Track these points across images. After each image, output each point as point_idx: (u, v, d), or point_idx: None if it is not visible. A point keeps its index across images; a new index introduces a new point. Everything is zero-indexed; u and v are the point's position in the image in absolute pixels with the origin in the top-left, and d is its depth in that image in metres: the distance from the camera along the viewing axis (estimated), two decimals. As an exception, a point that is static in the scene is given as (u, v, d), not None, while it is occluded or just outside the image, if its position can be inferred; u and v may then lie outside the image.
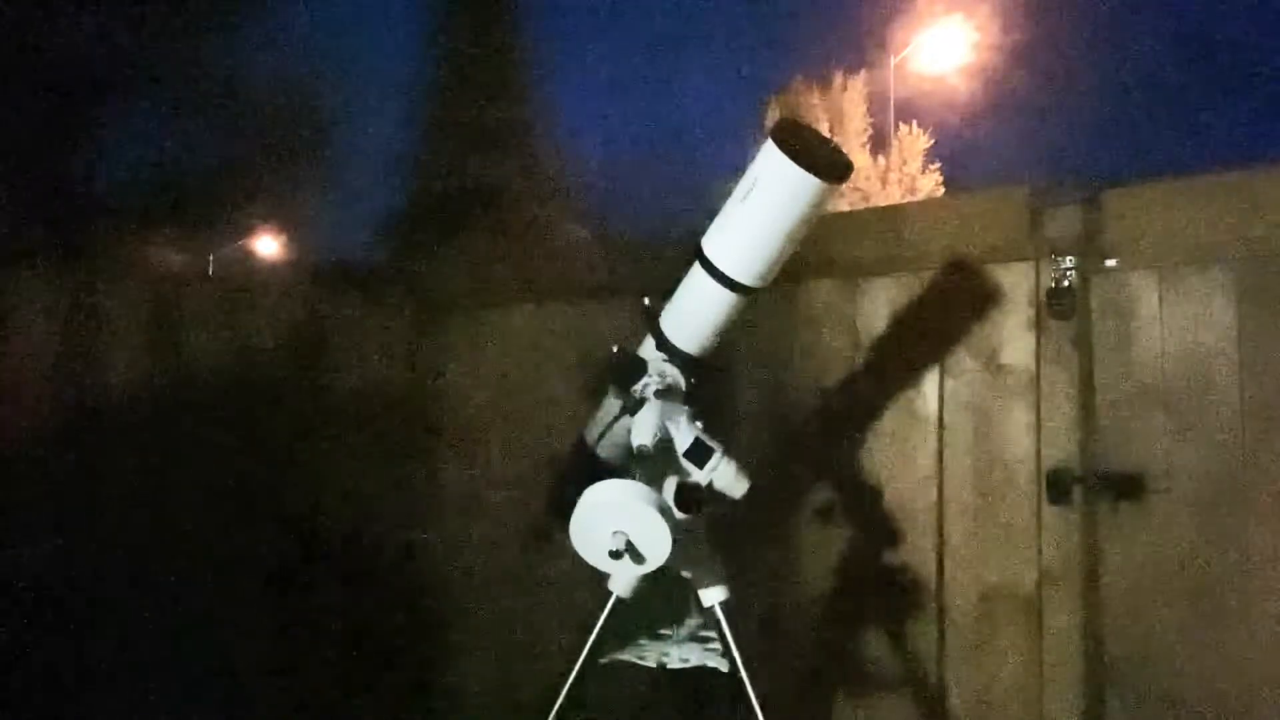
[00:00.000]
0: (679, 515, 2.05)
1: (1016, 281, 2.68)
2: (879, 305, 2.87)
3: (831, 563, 2.87)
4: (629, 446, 2.18)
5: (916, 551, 2.78)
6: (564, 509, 2.04)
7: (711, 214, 2.25)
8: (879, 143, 17.95)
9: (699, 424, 2.24)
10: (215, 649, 3.19)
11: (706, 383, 2.31)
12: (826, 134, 3.01)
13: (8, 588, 2.96)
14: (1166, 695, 2.49)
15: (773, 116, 17.05)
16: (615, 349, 2.32)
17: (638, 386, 2.25)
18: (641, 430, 2.16)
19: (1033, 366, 2.66)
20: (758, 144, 2.16)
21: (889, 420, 2.84)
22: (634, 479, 2.02)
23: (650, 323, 2.31)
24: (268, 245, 18.16)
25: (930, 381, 2.80)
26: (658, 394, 2.22)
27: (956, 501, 2.75)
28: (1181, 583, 2.47)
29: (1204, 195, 2.53)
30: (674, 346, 2.26)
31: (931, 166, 17.80)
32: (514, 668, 3.38)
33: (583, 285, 3.35)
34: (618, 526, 1.97)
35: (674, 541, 1.98)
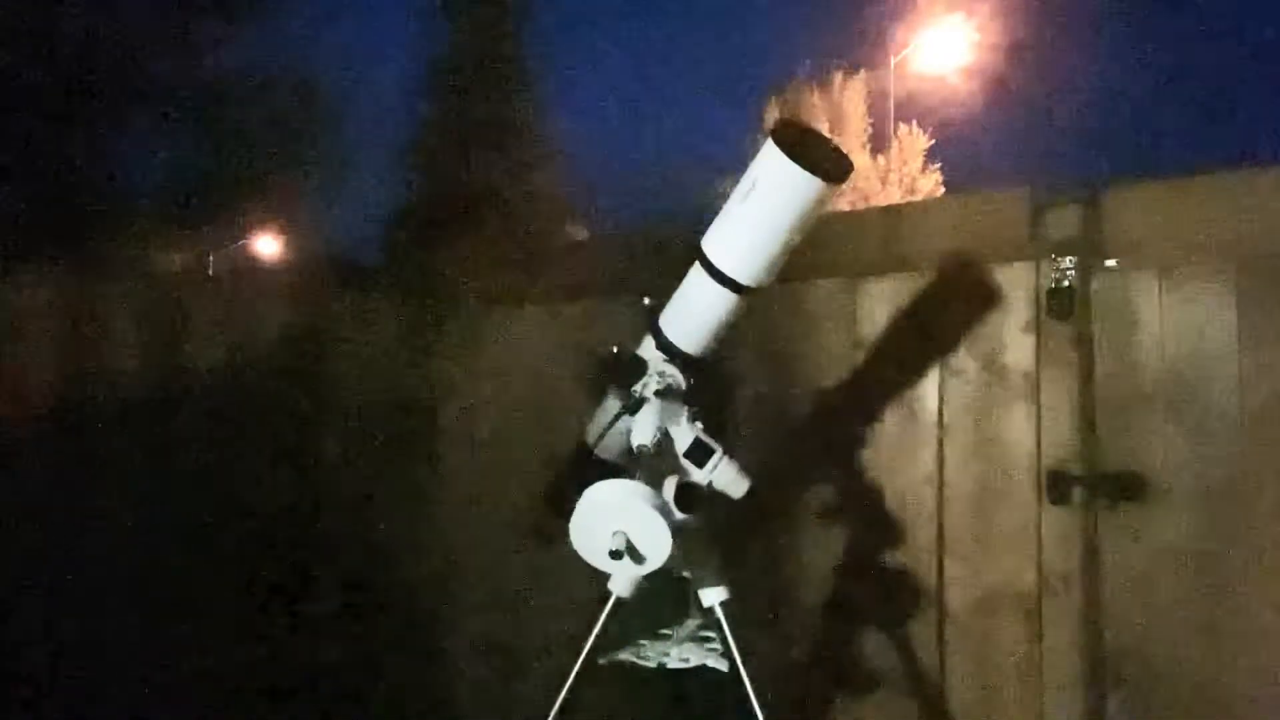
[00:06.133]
0: (679, 515, 2.06)
1: (1016, 281, 2.68)
2: (879, 305, 2.87)
3: (831, 563, 2.87)
4: (629, 446, 2.18)
5: (916, 551, 2.78)
6: (564, 509, 2.04)
7: (712, 214, 2.25)
8: (879, 143, 17.94)
9: (699, 424, 2.24)
10: (213, 647, 3.19)
11: (706, 383, 2.31)
12: (826, 134, 3.00)
13: (6, 586, 2.96)
14: (1166, 695, 2.48)
15: (773, 116, 17.06)
16: (615, 349, 2.32)
17: (638, 386, 2.25)
18: (641, 430, 2.16)
19: (1033, 366, 2.66)
20: (757, 144, 2.16)
21: (889, 420, 2.84)
22: (634, 479, 2.02)
23: (650, 323, 2.31)
24: (268, 245, 18.16)
25: (930, 381, 2.80)
26: (658, 394, 2.22)
27: (956, 502, 2.75)
28: (1182, 582, 2.47)
29: (1204, 195, 2.53)
30: (674, 346, 2.26)
31: (931, 166, 17.80)
32: (514, 668, 3.37)
33: (583, 285, 3.35)
34: (618, 526, 1.97)
35: (674, 541, 1.98)
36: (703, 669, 2.29)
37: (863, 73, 18.09)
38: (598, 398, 2.44)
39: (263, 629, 3.30)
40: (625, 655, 2.33)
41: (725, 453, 2.21)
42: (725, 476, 2.20)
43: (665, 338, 2.27)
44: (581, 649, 2.27)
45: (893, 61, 17.57)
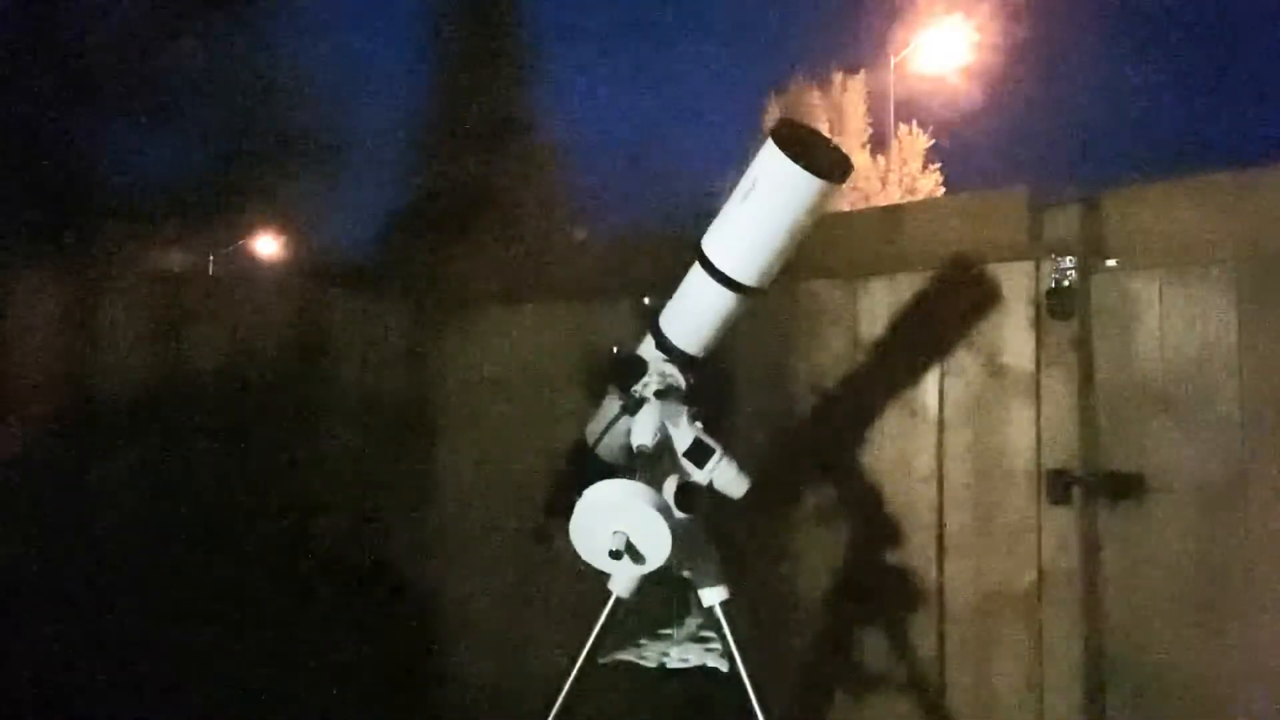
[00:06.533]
0: (679, 515, 2.06)
1: (1016, 281, 2.68)
2: (879, 305, 2.87)
3: (831, 563, 2.87)
4: (629, 446, 2.18)
5: (916, 551, 2.78)
6: (564, 509, 2.04)
7: (711, 214, 2.25)
8: (879, 143, 17.95)
9: (699, 424, 2.24)
10: (211, 648, 3.19)
11: (706, 382, 2.31)
12: (826, 134, 3.00)
13: (6, 587, 2.96)
14: (1166, 694, 2.49)
15: (773, 116, 17.06)
16: (615, 349, 2.32)
17: (638, 386, 2.25)
18: (641, 430, 2.16)
19: (1033, 366, 2.66)
20: (757, 143, 2.16)
21: (889, 420, 2.84)
22: (634, 479, 2.02)
23: (650, 323, 2.31)
24: (268, 244, 18.16)
25: (930, 381, 2.80)
26: (658, 394, 2.22)
27: (956, 502, 2.75)
28: (1181, 582, 2.47)
29: (1204, 195, 2.52)
30: (674, 346, 2.26)
31: (931, 166, 17.81)
32: (514, 668, 3.38)
33: (583, 285, 3.35)
34: (618, 526, 1.97)
35: (674, 541, 1.98)
36: (703, 669, 2.29)
37: (863, 73, 18.12)
38: (598, 398, 2.44)
39: (260, 629, 3.30)
40: (625, 655, 2.33)
41: (725, 452, 2.21)
42: (725, 476, 2.20)
43: (665, 338, 2.27)
44: (581, 649, 2.27)
45: (893, 61, 17.58)
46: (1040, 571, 2.62)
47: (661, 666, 2.33)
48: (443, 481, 3.66)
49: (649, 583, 2.22)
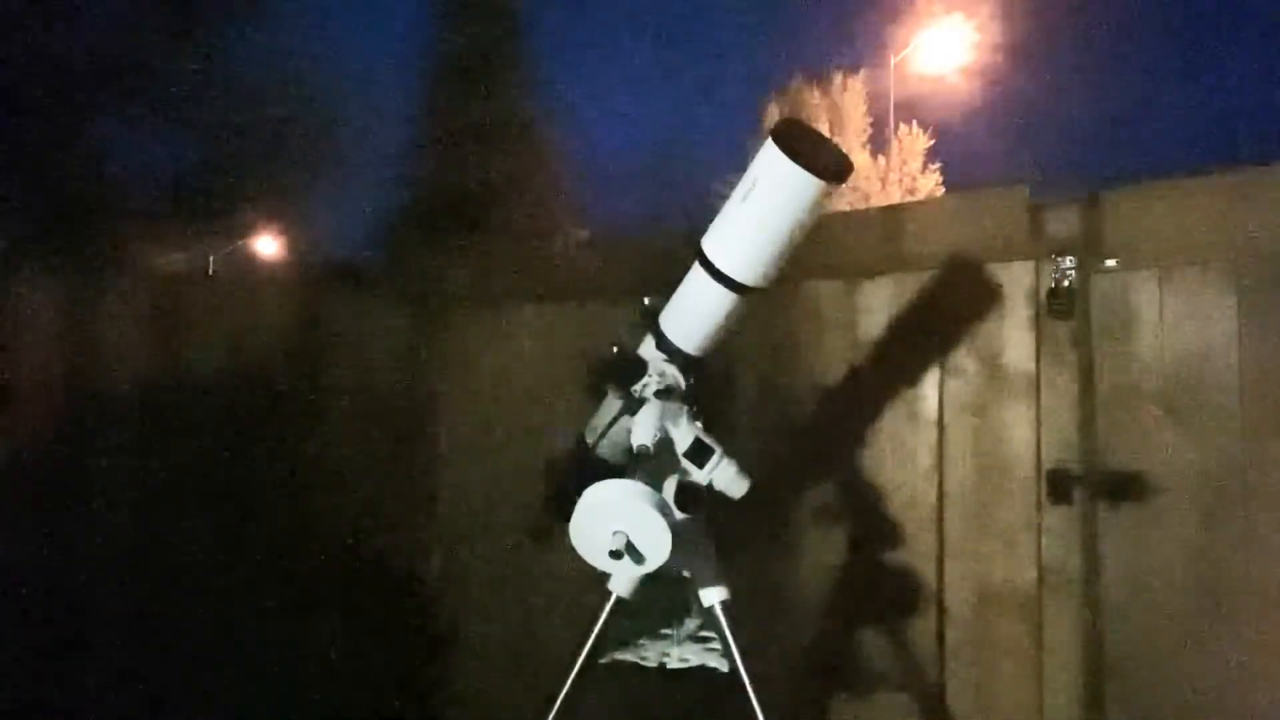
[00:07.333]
0: (679, 515, 2.06)
1: (1016, 281, 2.68)
2: (879, 305, 2.87)
3: (831, 563, 2.87)
4: (629, 446, 2.18)
5: (916, 551, 2.78)
6: (564, 509, 2.04)
7: (712, 214, 2.25)
8: (879, 143, 17.97)
9: (699, 424, 2.24)
10: (211, 648, 3.19)
11: (706, 382, 2.30)
12: (826, 134, 3.00)
13: (5, 586, 2.96)
14: (1166, 695, 2.49)
15: (773, 116, 17.07)
16: (615, 349, 2.31)
17: (638, 386, 2.24)
18: (641, 430, 2.16)
19: (1033, 366, 2.66)
20: (757, 144, 2.16)
21: (889, 420, 2.84)
22: (634, 479, 2.02)
23: (650, 322, 2.31)
24: (268, 245, 18.17)
25: (930, 381, 2.80)
26: (658, 394, 2.21)
27: (956, 501, 2.75)
28: (1181, 582, 2.47)
29: (1204, 195, 2.53)
30: (674, 346, 2.26)
31: (931, 166, 17.83)
32: (514, 668, 3.38)
33: (583, 285, 3.35)
34: (618, 526, 1.97)
35: (674, 541, 1.98)
36: (703, 669, 2.29)
37: (863, 73, 18.15)
38: (598, 398, 2.44)
39: (259, 628, 3.30)
40: (625, 655, 2.33)
41: (725, 453, 2.21)
42: (725, 476, 2.20)
43: (665, 338, 2.27)
44: (581, 649, 2.27)
45: (893, 61, 17.60)
46: (1040, 571, 2.62)
47: (661, 666, 2.33)
48: (443, 481, 3.66)
49: (649, 583, 2.22)
